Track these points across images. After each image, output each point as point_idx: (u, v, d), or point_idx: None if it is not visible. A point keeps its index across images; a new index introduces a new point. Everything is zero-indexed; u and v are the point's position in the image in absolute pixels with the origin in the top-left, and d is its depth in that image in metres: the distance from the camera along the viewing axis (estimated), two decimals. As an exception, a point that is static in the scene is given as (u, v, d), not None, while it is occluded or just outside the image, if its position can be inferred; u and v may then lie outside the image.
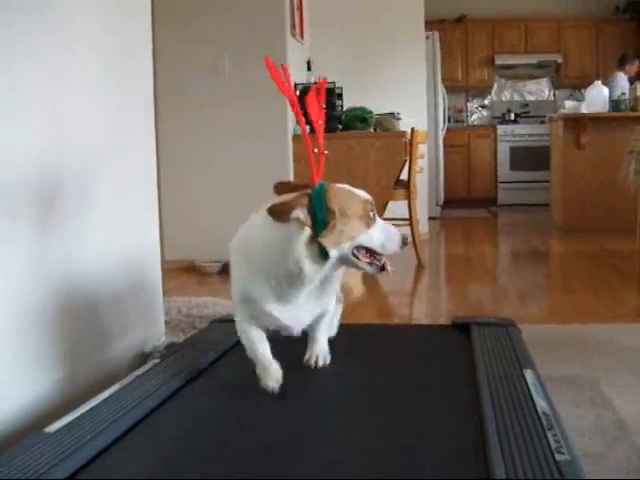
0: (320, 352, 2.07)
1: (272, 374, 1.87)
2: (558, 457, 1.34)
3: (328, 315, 2.06)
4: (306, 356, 2.07)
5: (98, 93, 2.48)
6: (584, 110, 7.75)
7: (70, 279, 2.27)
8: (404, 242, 1.87)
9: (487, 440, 1.44)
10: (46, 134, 2.15)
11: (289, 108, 5.56)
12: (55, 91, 2.20)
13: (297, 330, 1.96)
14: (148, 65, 2.88)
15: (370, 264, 1.83)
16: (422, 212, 7.03)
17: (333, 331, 2.23)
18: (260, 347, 1.93)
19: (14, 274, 1.99)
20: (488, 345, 2.19)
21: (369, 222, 1.82)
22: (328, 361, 2.06)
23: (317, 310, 1.97)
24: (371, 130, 5.97)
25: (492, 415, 1.57)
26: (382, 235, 1.83)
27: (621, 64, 8.67)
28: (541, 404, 1.65)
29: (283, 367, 1.87)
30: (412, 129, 5.66)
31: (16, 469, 1.38)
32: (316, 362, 2.05)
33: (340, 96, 5.95)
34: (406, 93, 7.42)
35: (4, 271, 1.94)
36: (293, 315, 1.90)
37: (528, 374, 1.88)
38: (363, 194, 1.87)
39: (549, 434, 1.45)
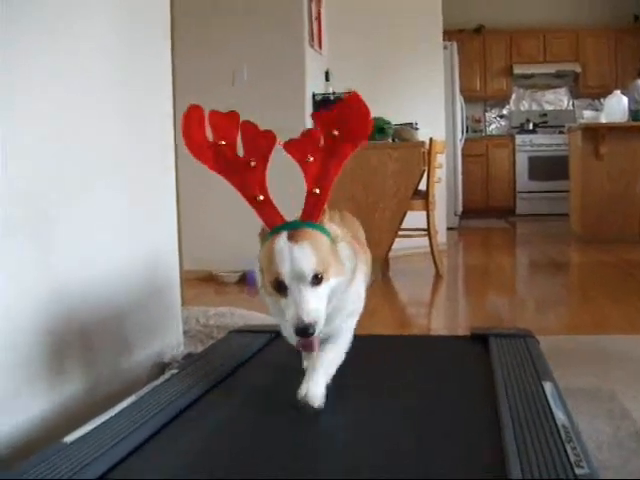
0: (310, 392, 1.73)
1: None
2: (578, 471, 1.33)
3: (341, 340, 1.90)
4: (299, 393, 1.74)
5: (116, 103, 2.50)
6: (603, 120, 7.73)
7: (87, 289, 2.28)
8: (300, 330, 1.60)
9: (506, 453, 1.44)
10: (65, 142, 2.16)
11: (307, 119, 5.60)
12: (73, 102, 2.22)
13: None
14: (167, 76, 2.89)
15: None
16: (440, 222, 7.02)
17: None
18: None
19: (29, 283, 2.00)
20: (506, 357, 2.18)
21: (280, 291, 1.67)
22: (317, 404, 1.72)
23: (334, 324, 1.85)
24: (389, 140, 5.97)
25: (511, 428, 1.56)
26: (291, 311, 1.64)
27: (641, 72, 8.63)
28: (560, 417, 1.64)
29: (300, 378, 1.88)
30: (430, 139, 5.67)
31: (35, 479, 1.38)
32: (303, 404, 1.72)
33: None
34: (424, 103, 7.41)
35: (19, 280, 1.95)
36: None
37: (547, 386, 1.87)
38: (275, 249, 1.66)
39: (568, 447, 1.45)
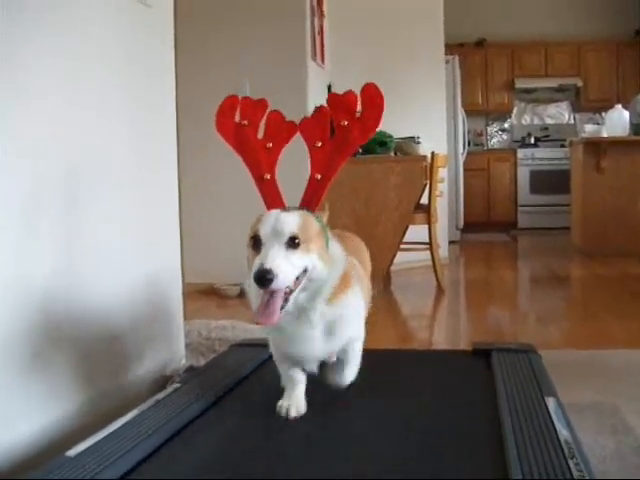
0: (293, 400, 1.88)
1: (293, 400, 1.86)
2: (581, 486, 1.33)
3: (350, 364, 1.94)
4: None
5: (120, 119, 2.50)
6: (604, 134, 7.74)
7: (89, 301, 2.28)
8: (258, 273, 1.57)
9: (509, 468, 1.44)
10: (66, 156, 2.17)
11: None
12: (75, 114, 2.22)
13: (310, 365, 1.89)
14: (171, 92, 2.90)
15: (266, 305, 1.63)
16: (442, 236, 7.02)
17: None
18: (285, 377, 1.93)
19: (31, 295, 2.00)
20: (509, 372, 2.18)
21: (255, 249, 1.67)
22: (302, 411, 1.85)
23: (329, 347, 1.85)
24: (391, 154, 5.98)
25: (514, 443, 1.56)
26: (254, 267, 1.61)
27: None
28: (563, 432, 1.63)
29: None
30: (432, 153, 5.67)
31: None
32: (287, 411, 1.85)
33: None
34: (426, 117, 7.42)
35: (19, 291, 1.95)
36: (304, 346, 1.82)
37: (550, 401, 1.87)
38: (261, 214, 1.72)
39: (571, 463, 1.44)
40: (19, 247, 1.93)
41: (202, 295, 5.57)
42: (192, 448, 1.70)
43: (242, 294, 5.38)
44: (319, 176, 1.81)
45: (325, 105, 1.87)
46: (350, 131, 1.80)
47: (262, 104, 1.90)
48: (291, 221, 1.65)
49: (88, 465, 1.51)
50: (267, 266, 1.57)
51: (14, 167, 1.90)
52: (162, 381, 2.64)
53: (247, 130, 1.87)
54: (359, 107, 1.81)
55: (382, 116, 1.80)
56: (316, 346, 1.81)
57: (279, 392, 1.94)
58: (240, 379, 2.22)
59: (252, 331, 3.69)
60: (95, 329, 2.30)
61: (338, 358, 1.94)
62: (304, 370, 1.92)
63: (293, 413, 1.83)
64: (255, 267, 1.58)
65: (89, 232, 2.27)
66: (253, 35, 5.76)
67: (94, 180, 2.31)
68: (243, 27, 5.79)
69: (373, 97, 1.81)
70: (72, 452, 1.59)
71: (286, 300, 1.65)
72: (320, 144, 1.82)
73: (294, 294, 1.66)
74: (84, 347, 2.24)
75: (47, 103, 2.06)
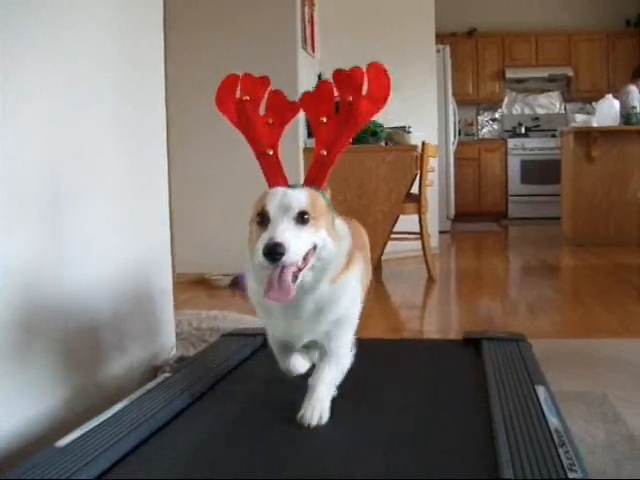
0: (316, 407, 1.74)
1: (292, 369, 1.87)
2: (570, 475, 1.33)
3: (334, 358, 1.83)
4: (301, 411, 1.74)
5: (110, 109, 2.49)
6: (595, 124, 7.75)
7: (77, 291, 2.27)
8: (269, 247, 1.51)
9: (498, 457, 1.44)
10: (57, 147, 2.16)
11: (301, 121, 5.60)
12: (63, 104, 2.21)
13: (297, 343, 1.82)
14: (160, 79, 2.89)
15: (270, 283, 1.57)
16: (433, 226, 7.02)
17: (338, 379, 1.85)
18: (282, 360, 1.91)
19: (20, 286, 1.99)
20: (499, 360, 2.18)
21: (261, 225, 1.61)
22: (324, 420, 1.72)
23: (320, 326, 1.76)
24: (382, 144, 5.98)
25: (504, 432, 1.57)
26: (262, 241, 1.55)
27: (634, 77, 8.63)
28: (553, 421, 1.64)
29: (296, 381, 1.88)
30: (423, 143, 5.67)
31: (27, 481, 1.38)
32: (310, 421, 1.71)
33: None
34: (417, 107, 7.41)
35: (7, 282, 1.94)
36: (293, 323, 1.75)
37: (540, 390, 1.87)
38: (268, 191, 1.67)
39: (561, 451, 1.45)
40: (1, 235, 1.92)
41: (193, 285, 5.57)
42: (181, 438, 1.69)
43: (233, 284, 5.38)
44: (324, 152, 1.75)
45: (328, 80, 1.82)
46: (357, 106, 1.75)
47: (264, 81, 1.85)
48: (300, 197, 1.61)
49: (77, 456, 1.51)
50: (278, 239, 1.52)
51: (2, 156, 1.89)
52: (152, 371, 2.64)
53: (248, 105, 1.81)
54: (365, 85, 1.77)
55: (389, 93, 1.76)
56: (303, 327, 1.75)
57: (270, 381, 1.94)
58: (231, 369, 2.22)
59: (243, 321, 3.68)
60: (84, 319, 2.29)
61: (320, 352, 1.86)
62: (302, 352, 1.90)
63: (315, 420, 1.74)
64: (264, 241, 1.53)
65: (76, 222, 2.26)
66: (243, 23, 5.75)
67: (82, 169, 2.30)
68: (233, 15, 5.77)
69: (379, 75, 1.76)
70: (61, 442, 1.59)
71: (295, 278, 1.59)
72: (325, 119, 1.77)
73: (303, 272, 1.61)
74: (72, 338, 2.23)
75: (36, 92, 2.05)
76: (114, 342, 2.48)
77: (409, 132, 6.30)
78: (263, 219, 1.60)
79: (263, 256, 1.51)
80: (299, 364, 1.91)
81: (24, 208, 1.98)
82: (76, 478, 1.40)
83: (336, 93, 1.80)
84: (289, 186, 1.71)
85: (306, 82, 5.93)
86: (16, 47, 1.94)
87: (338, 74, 1.80)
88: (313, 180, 1.75)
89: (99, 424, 1.71)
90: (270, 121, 1.80)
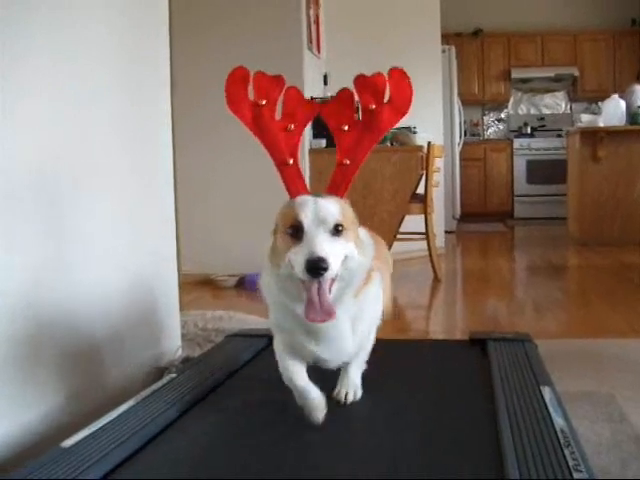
0: (350, 386, 1.89)
1: (313, 404, 1.73)
2: (576, 475, 1.33)
3: (364, 352, 1.92)
4: (336, 389, 1.89)
5: (114, 108, 2.49)
6: (601, 123, 7.73)
7: (83, 292, 2.27)
8: (312, 262, 1.48)
9: (504, 458, 1.44)
10: (61, 145, 2.16)
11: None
12: (70, 107, 2.21)
13: (334, 364, 1.80)
14: (165, 79, 2.89)
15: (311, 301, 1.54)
16: (438, 226, 7.01)
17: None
18: (297, 377, 1.77)
19: (26, 283, 2.00)
20: (505, 361, 2.18)
21: (294, 237, 1.56)
22: (359, 396, 1.89)
23: (354, 341, 1.76)
24: (387, 144, 5.97)
25: (509, 433, 1.56)
26: (303, 251, 1.52)
27: (640, 76, 8.60)
28: (558, 421, 1.63)
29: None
30: (428, 143, 5.66)
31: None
32: (346, 397, 1.87)
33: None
34: (422, 107, 7.37)
35: (13, 279, 1.95)
36: (327, 347, 1.73)
37: (545, 390, 1.87)
38: (296, 201, 1.63)
39: (566, 451, 1.44)
40: (6, 237, 1.92)
41: (198, 285, 5.57)
42: (186, 439, 1.70)
43: (239, 284, 5.39)
44: (347, 161, 1.73)
45: (348, 87, 1.79)
46: (379, 115, 1.73)
47: (279, 81, 1.78)
48: (333, 208, 1.58)
49: (83, 456, 1.51)
50: (320, 254, 1.49)
51: (3, 156, 1.90)
52: (158, 372, 2.64)
53: (265, 111, 1.74)
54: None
55: (412, 101, 1.75)
56: (347, 345, 1.74)
57: (275, 383, 1.93)
58: (236, 370, 2.22)
59: (248, 321, 3.69)
60: (90, 320, 2.30)
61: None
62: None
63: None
64: (305, 256, 1.49)
65: (81, 222, 2.26)
66: (248, 23, 5.75)
67: (83, 169, 2.30)
68: (239, 15, 5.77)
69: (401, 81, 1.75)
70: (67, 443, 1.59)
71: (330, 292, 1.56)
72: (347, 127, 1.74)
73: (334, 285, 1.58)
74: (80, 338, 2.24)
75: (36, 92, 2.05)
76: (120, 343, 2.49)
77: (415, 132, 6.29)
78: (297, 231, 1.56)
79: (306, 272, 1.49)
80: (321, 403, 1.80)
81: (25, 210, 1.98)
82: (82, 478, 1.40)
83: (356, 97, 1.77)
84: (315, 195, 1.66)
85: (312, 83, 5.94)
86: (16, 47, 1.94)
87: (360, 80, 1.77)
88: (336, 189, 1.71)
89: (105, 424, 1.71)
90: (290, 127, 1.75)
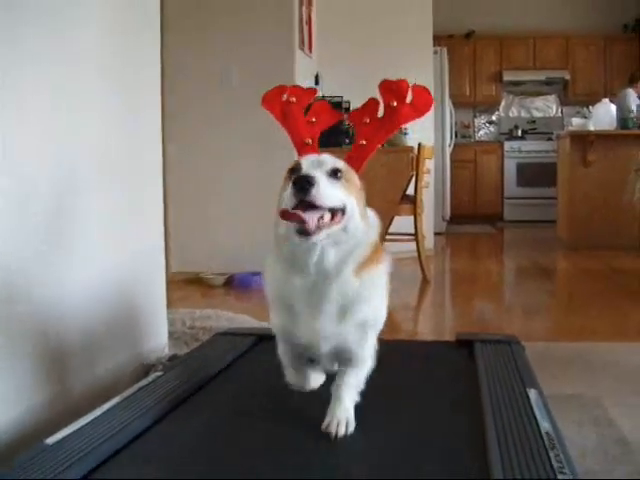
0: (342, 416, 1.67)
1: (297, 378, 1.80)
2: (560, 477, 1.33)
3: (361, 367, 1.76)
4: (326, 420, 1.67)
5: (106, 107, 2.49)
6: (591, 127, 7.76)
7: (70, 289, 2.27)
8: (300, 177, 1.46)
9: (489, 459, 1.44)
10: (53, 144, 2.15)
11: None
12: (64, 108, 2.21)
13: (320, 347, 1.68)
14: (156, 78, 2.89)
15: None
16: (428, 227, 7.01)
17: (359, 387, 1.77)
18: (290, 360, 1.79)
19: (10, 282, 1.99)
20: (492, 362, 2.18)
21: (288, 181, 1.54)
22: (351, 429, 1.66)
23: (347, 328, 1.66)
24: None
25: (494, 434, 1.56)
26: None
27: (631, 81, 8.61)
28: (544, 424, 1.64)
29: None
30: (419, 144, 5.67)
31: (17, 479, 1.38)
32: (337, 430, 1.64)
33: (347, 110, 5.95)
34: (413, 108, 7.40)
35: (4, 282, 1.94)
36: (315, 321, 1.63)
37: (531, 393, 1.87)
38: (306, 158, 1.63)
39: (551, 454, 1.45)
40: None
41: (187, 284, 5.56)
42: (171, 437, 1.69)
43: (227, 283, 5.38)
44: (364, 142, 1.76)
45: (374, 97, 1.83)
46: (399, 109, 1.79)
47: (311, 90, 1.91)
48: (334, 159, 1.61)
49: (67, 453, 1.50)
50: (308, 172, 1.49)
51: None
52: (144, 370, 2.63)
53: (294, 106, 1.84)
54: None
55: (431, 109, 1.84)
56: (327, 325, 1.64)
57: (263, 380, 1.93)
58: (223, 368, 2.22)
59: (236, 320, 3.68)
60: (76, 317, 2.29)
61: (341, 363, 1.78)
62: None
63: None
64: (297, 175, 1.48)
65: (68, 220, 2.26)
66: (241, 23, 5.74)
67: (77, 167, 2.30)
68: (231, 15, 5.76)
69: (424, 92, 1.82)
70: (51, 439, 1.59)
71: (319, 230, 1.49)
72: (368, 121, 1.79)
73: (327, 230, 1.51)
74: (67, 335, 2.23)
75: (32, 95, 2.05)
76: (106, 340, 2.48)
77: (405, 133, 6.29)
78: (294, 172, 1.55)
79: (292, 186, 1.46)
80: (314, 378, 1.83)
81: (19, 208, 1.98)
82: (65, 475, 1.40)
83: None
84: None
85: (303, 82, 5.93)
86: (16, 47, 1.94)
87: (385, 83, 1.82)
88: (351, 161, 1.71)
89: (90, 421, 1.70)
90: (313, 119, 1.83)
